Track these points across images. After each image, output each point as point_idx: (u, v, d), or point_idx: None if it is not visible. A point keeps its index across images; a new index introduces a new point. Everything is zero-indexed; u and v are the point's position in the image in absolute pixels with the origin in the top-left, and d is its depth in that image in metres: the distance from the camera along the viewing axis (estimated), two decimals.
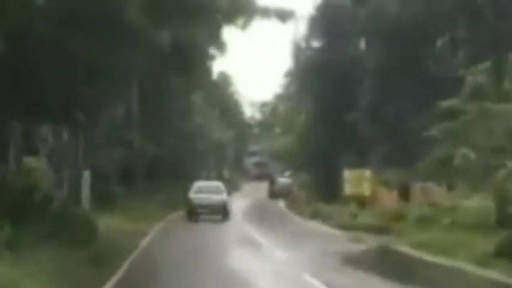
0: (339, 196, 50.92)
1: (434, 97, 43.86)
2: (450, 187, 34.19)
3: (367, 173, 46.46)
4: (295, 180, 78.30)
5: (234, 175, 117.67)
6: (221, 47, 71.67)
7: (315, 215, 46.25)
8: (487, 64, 33.80)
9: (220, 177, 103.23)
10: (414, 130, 49.17)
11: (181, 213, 47.59)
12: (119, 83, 30.77)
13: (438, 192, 34.71)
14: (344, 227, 36.15)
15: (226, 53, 68.04)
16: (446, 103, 34.34)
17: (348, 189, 46.94)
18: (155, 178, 59.90)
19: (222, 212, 42.94)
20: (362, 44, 62.51)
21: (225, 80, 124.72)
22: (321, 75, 61.97)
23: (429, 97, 46.23)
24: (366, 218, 37.29)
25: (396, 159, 47.92)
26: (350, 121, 55.81)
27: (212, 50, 65.75)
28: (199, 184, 46.76)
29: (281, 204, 65.46)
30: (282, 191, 74.96)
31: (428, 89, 49.26)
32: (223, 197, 43.57)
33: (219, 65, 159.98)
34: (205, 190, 44.11)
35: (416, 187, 37.59)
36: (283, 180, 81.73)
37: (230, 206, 46.20)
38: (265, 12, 42.61)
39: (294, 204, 58.43)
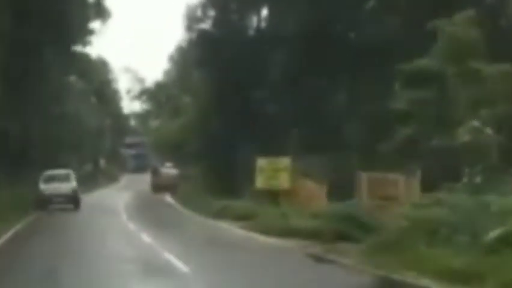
0: (242, 190, 41.62)
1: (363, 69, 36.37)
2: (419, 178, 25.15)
3: (285, 161, 36.77)
4: (180, 172, 68.81)
5: (111, 166, 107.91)
6: (103, 13, 62.42)
7: (221, 214, 36.50)
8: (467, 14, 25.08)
9: (96, 168, 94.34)
10: (339, 109, 40.58)
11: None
12: None
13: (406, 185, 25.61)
14: (274, 233, 26.28)
15: (110, 19, 59.31)
16: (410, 65, 25.44)
17: (260, 181, 37.06)
18: (20, 167, 49.59)
19: (72, 200, 42.42)
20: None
21: (103, 66, 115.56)
22: (218, 50, 52.38)
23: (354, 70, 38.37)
24: (299, 220, 27.50)
25: (320, 145, 38.96)
26: (257, 101, 46.60)
27: (93, 24, 57.55)
28: (47, 173, 44.61)
29: (169, 198, 55.48)
30: (168, 183, 65.38)
31: (353, 60, 40.70)
32: (73, 184, 42.76)
33: (97, 50, 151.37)
34: (54, 179, 42.84)
35: (364, 178, 28.06)
36: (169, 170, 71.55)
37: (80, 194, 44.82)
38: None
39: (186, 199, 48.65)
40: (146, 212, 41.63)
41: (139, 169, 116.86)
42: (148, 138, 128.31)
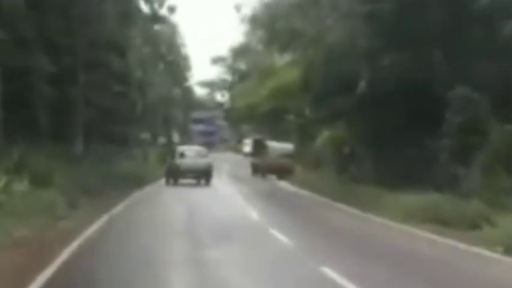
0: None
1: None
2: None
3: None
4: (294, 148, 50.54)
5: (185, 141, 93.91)
6: None
7: (424, 219, 20.95)
8: None
9: (169, 142, 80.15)
10: None
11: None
12: None
13: None
14: None
15: None
16: None
17: None
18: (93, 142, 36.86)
19: (205, 175, 42.78)
20: None
21: (171, 29, 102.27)
22: None
23: None
24: None
25: None
26: None
27: None
28: (183, 148, 47.28)
29: (292, 188, 39.36)
30: (279, 164, 47.31)
31: None
32: (208, 160, 43.80)
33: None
34: (190, 154, 44.04)
35: None
36: (280, 146, 51.46)
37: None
38: None
39: (332, 190, 31.78)
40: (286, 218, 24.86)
41: (207, 147, 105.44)
42: (223, 111, 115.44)
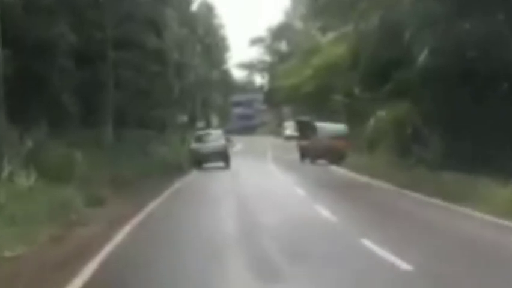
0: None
1: None
2: None
3: None
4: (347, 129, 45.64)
5: (224, 124, 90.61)
6: None
7: None
8: None
9: (208, 126, 76.74)
10: None
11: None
12: None
13: None
14: None
15: None
16: None
17: None
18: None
19: (224, 158, 43.09)
20: None
21: (208, 11, 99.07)
22: None
23: None
24: None
25: None
26: None
27: None
28: (198, 133, 47.81)
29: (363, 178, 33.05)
30: (331, 146, 42.56)
31: None
32: (223, 142, 44.13)
33: None
34: (204, 139, 44.47)
35: None
36: (332, 127, 46.24)
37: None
38: None
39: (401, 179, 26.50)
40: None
41: (246, 130, 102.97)
42: (263, 93, 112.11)
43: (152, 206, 20.32)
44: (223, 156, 42.83)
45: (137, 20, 37.29)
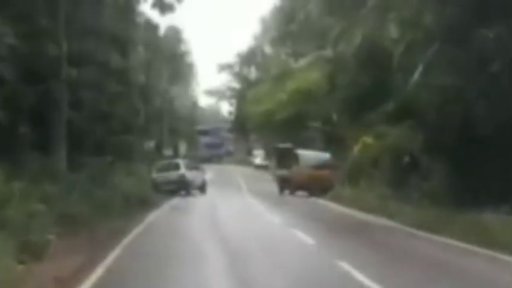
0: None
1: None
2: None
3: None
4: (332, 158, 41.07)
5: (192, 152, 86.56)
6: None
7: None
8: None
9: (176, 154, 72.44)
10: None
11: None
12: None
13: None
14: None
15: None
16: None
17: None
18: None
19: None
20: None
21: (175, 35, 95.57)
22: None
23: None
24: None
25: None
26: None
27: None
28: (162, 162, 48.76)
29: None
30: (319, 179, 38.34)
31: None
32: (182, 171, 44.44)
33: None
34: (164, 168, 45.25)
35: None
36: (318, 156, 41.86)
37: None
38: None
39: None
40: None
41: (215, 159, 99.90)
42: (231, 121, 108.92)
43: (111, 258, 14.83)
44: (181, 184, 43.19)
45: (100, 36, 33.52)
